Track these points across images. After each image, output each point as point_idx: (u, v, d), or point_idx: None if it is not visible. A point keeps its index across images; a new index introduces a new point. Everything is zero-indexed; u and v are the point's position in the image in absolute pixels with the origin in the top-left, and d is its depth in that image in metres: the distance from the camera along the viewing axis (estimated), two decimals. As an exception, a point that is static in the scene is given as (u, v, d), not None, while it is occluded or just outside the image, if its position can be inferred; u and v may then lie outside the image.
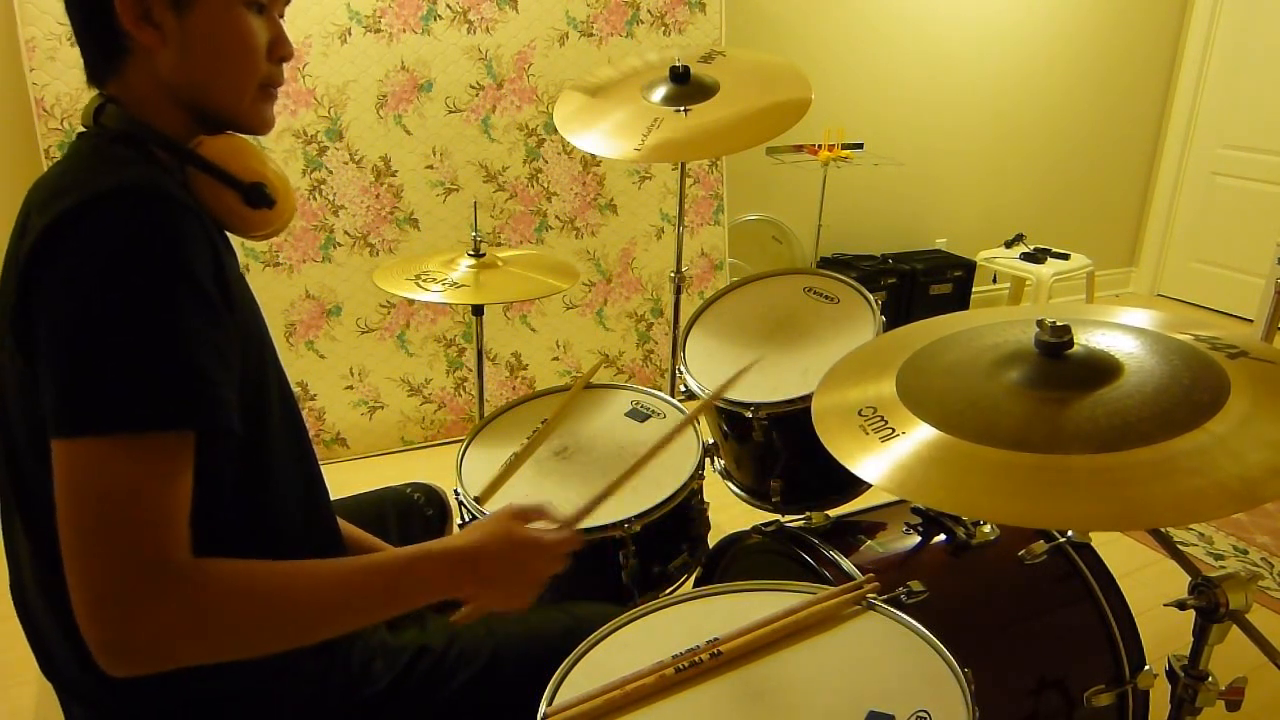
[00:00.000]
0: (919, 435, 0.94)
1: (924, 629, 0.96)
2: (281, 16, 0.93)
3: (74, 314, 0.73)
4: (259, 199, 0.89)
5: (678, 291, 2.16)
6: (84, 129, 0.87)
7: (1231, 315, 4.28)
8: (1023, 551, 1.29)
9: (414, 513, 1.38)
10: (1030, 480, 0.84)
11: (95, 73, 0.88)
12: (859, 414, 1.00)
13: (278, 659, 0.90)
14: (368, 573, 0.84)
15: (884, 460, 0.92)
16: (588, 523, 1.31)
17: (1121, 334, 1.04)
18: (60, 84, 2.28)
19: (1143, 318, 1.11)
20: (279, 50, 0.91)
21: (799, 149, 3.38)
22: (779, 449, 1.48)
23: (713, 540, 1.50)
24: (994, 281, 4.18)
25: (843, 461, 0.96)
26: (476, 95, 2.75)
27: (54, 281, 0.73)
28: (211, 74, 0.87)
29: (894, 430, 0.95)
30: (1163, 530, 1.08)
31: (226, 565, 0.77)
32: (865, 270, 3.51)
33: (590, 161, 2.95)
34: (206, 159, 0.87)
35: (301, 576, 0.80)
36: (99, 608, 0.71)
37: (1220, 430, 0.84)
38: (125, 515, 0.71)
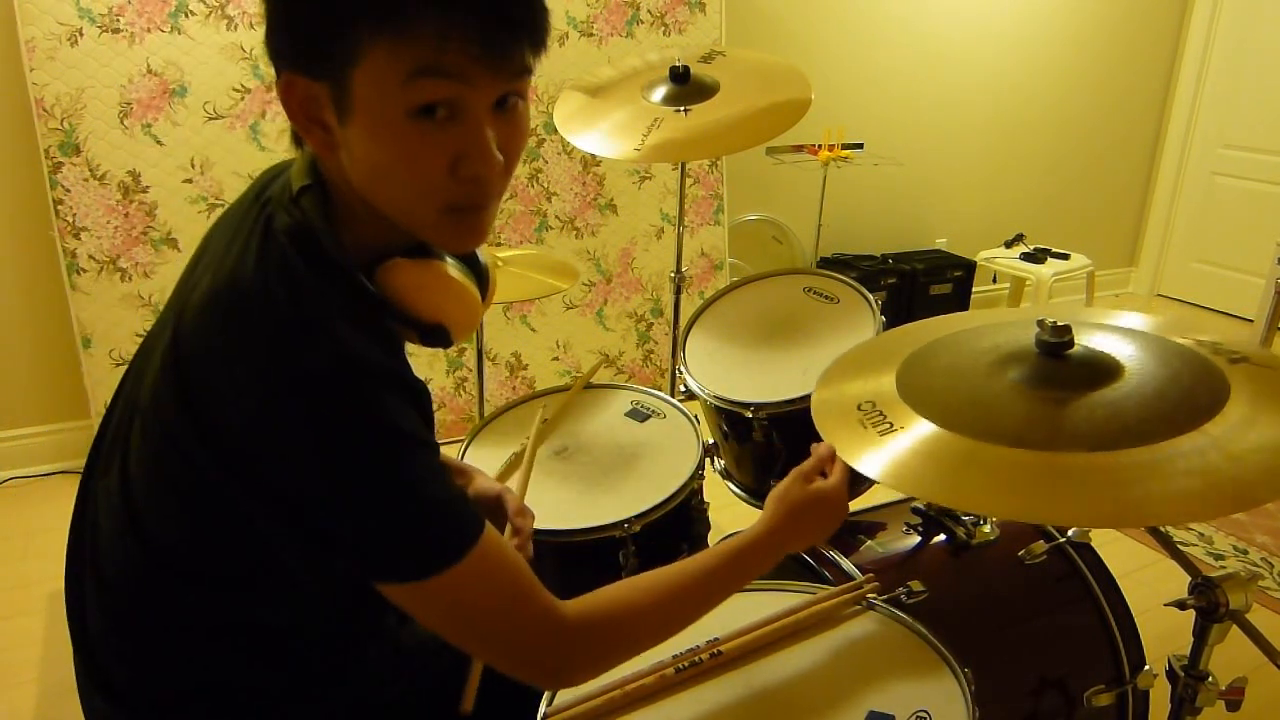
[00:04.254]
0: (918, 431, 0.93)
1: (924, 629, 0.96)
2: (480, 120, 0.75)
3: (361, 482, 0.72)
4: (434, 342, 0.85)
5: (678, 291, 2.15)
6: (272, 197, 0.81)
7: (1232, 315, 4.28)
8: (1022, 551, 1.29)
9: None
10: (1029, 477, 0.84)
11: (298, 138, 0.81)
12: (859, 409, 1.00)
13: (283, 660, 0.91)
14: (708, 574, 0.95)
15: (883, 455, 0.92)
16: (588, 523, 1.32)
17: (1122, 337, 1.04)
18: (60, 84, 2.27)
19: (1145, 321, 1.10)
20: (466, 168, 0.74)
21: (799, 149, 3.38)
22: (779, 449, 1.48)
23: (713, 540, 1.50)
24: (994, 281, 4.18)
25: (841, 455, 0.95)
26: (476, 95, 2.75)
27: (309, 459, 0.72)
28: (377, 186, 0.77)
29: (893, 425, 0.95)
30: (1163, 530, 1.08)
31: (589, 602, 0.86)
32: (865, 270, 3.51)
33: (590, 161, 2.95)
34: (385, 296, 0.80)
35: (661, 590, 0.92)
36: (542, 675, 0.84)
37: (1217, 432, 0.84)
38: (511, 607, 0.80)
